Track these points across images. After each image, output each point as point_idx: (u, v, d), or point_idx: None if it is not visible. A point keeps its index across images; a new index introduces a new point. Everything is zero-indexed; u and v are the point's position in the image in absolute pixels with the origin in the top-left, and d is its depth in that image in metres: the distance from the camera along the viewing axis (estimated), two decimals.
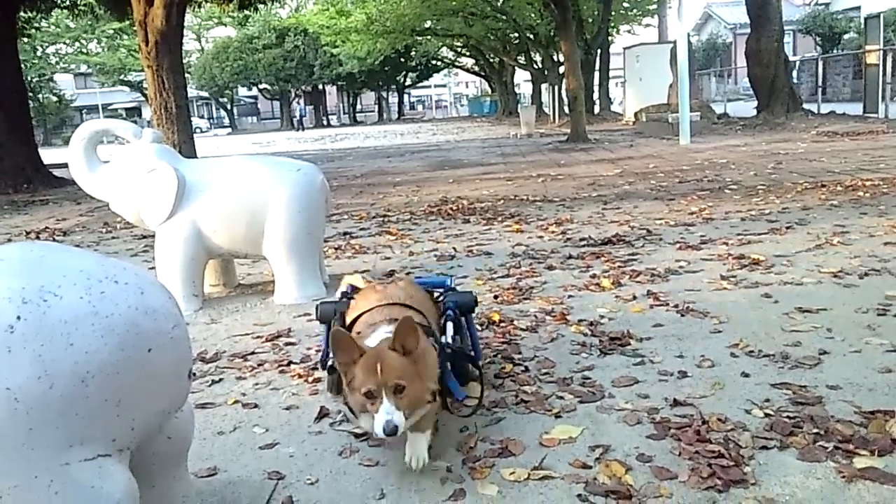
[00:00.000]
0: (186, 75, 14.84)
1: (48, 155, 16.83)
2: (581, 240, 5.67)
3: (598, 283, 4.33)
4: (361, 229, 7.01)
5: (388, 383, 1.99)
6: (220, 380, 3.19)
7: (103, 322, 1.51)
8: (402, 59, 48.31)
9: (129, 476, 1.57)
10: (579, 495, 2.06)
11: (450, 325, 2.59)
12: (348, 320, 2.57)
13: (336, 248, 6.02)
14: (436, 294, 2.91)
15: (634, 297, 3.98)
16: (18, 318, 1.43)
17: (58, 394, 1.43)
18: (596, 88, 31.08)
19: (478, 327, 3.23)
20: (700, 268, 4.55)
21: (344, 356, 2.08)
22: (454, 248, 5.70)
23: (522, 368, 3.05)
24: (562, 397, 2.73)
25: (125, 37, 46.79)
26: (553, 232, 6.11)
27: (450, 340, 2.49)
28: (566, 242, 5.65)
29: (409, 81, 59.45)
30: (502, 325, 3.64)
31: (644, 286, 4.20)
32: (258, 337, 3.76)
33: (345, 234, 6.78)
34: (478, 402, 2.47)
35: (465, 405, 2.57)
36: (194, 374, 3.08)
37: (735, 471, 2.09)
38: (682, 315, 3.62)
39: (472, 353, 2.82)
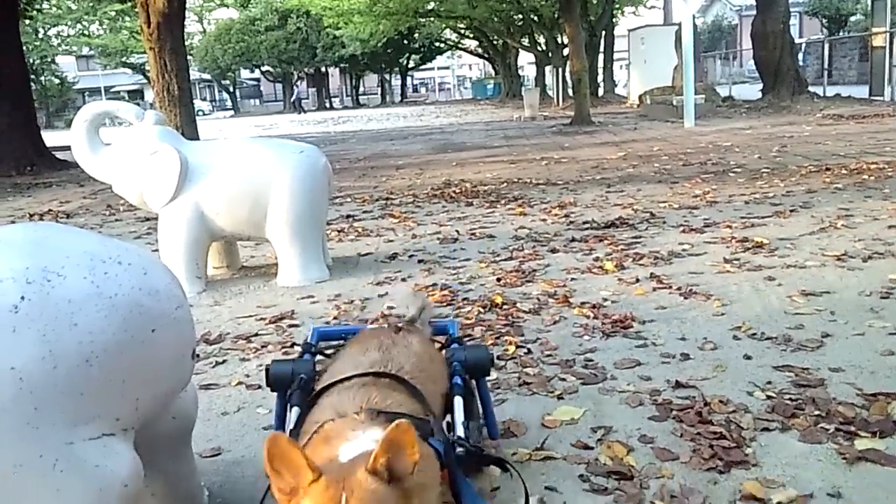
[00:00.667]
0: (189, 57, 14.79)
1: (50, 137, 16.81)
2: (584, 223, 5.66)
3: (602, 266, 4.32)
4: (364, 212, 7.01)
5: None
6: (224, 361, 3.20)
7: (107, 302, 1.52)
8: (406, 41, 48.06)
9: (133, 455, 1.58)
10: (581, 476, 2.07)
11: (459, 403, 1.84)
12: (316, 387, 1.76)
13: (339, 231, 6.02)
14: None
15: (637, 280, 3.98)
16: (22, 298, 1.43)
17: (62, 373, 1.43)
18: (600, 71, 30.93)
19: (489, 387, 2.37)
20: (703, 251, 4.54)
21: (285, 479, 1.25)
22: (457, 231, 5.69)
23: (525, 350, 3.06)
24: (564, 379, 2.74)
25: (127, 18, 46.54)
26: (556, 215, 6.10)
27: (460, 430, 1.75)
28: (569, 225, 5.64)
29: (412, 64, 59.12)
30: (505, 307, 3.65)
31: (647, 269, 4.20)
32: (261, 319, 3.77)
33: (347, 216, 6.77)
34: None
35: None
36: (198, 356, 3.09)
37: (736, 452, 2.10)
38: (685, 297, 3.62)
39: (488, 431, 2.18)
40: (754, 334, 3.06)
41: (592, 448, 2.22)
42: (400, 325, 2.00)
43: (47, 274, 1.48)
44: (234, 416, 2.64)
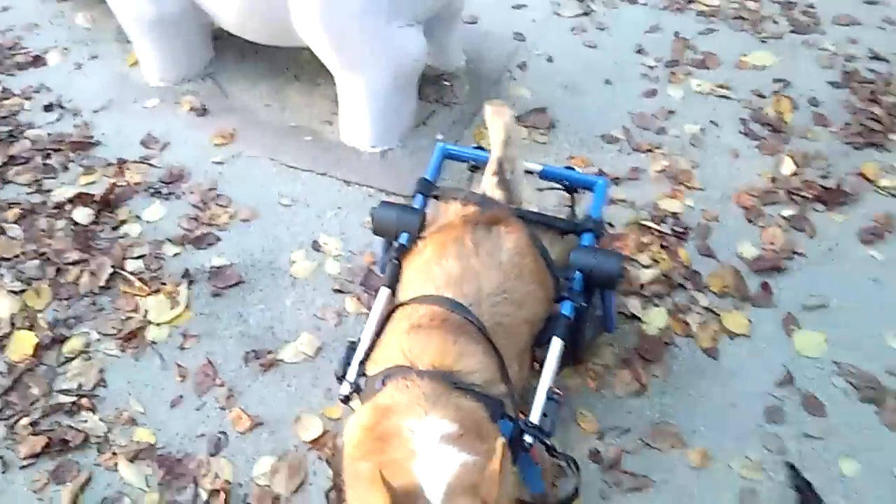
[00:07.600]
0: None
1: None
2: None
3: None
4: None
5: None
6: None
7: None
8: None
9: (423, 40, 2.32)
10: (742, 119, 2.59)
11: (553, 356, 1.55)
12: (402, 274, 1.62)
13: None
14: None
15: None
16: None
17: None
18: None
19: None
20: None
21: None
22: None
23: None
24: (777, 23, 3.01)
25: None
26: None
27: (538, 411, 1.48)
28: None
29: None
30: None
31: None
32: None
33: None
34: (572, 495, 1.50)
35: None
36: None
37: (880, 136, 2.50)
38: None
39: (605, 323, 1.86)
40: None
41: (766, 97, 2.67)
42: (494, 211, 1.60)
43: None
44: None
